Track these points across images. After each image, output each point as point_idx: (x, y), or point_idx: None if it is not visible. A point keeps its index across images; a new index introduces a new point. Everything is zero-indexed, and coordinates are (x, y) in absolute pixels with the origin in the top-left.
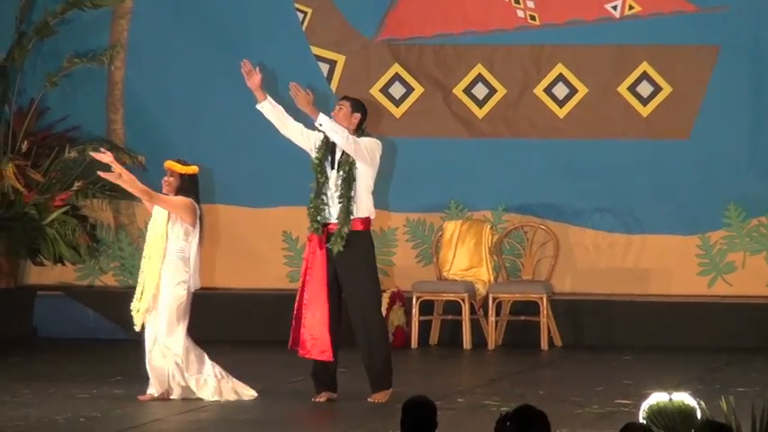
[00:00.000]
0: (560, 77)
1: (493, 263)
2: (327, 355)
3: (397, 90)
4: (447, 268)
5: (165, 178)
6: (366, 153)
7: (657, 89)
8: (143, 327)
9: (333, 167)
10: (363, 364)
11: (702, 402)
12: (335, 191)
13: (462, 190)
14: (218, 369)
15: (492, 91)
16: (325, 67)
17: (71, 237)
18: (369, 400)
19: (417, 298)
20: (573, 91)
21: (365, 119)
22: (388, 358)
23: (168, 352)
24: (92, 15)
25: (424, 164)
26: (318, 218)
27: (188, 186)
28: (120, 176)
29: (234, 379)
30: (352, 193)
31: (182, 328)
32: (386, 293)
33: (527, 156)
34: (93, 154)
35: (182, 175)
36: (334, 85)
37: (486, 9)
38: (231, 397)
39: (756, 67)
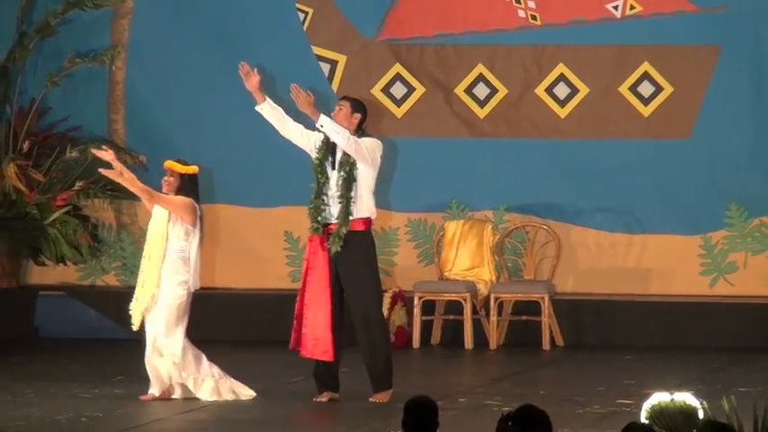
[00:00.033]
0: (561, 77)
1: (494, 263)
2: (329, 356)
3: (398, 90)
4: (448, 268)
5: (166, 178)
6: (367, 153)
7: (658, 89)
8: (144, 327)
9: (333, 168)
10: (364, 364)
11: (704, 402)
12: (336, 191)
13: (464, 190)
14: (215, 369)
15: (493, 91)
16: (326, 67)
17: (73, 236)
18: (370, 400)
19: (419, 298)
20: (574, 91)
21: (365, 119)
22: (389, 358)
23: (166, 352)
24: (93, 15)
25: (425, 164)
26: (319, 218)
27: (188, 186)
28: (121, 174)
29: (232, 379)
30: (352, 194)
31: (180, 329)
32: (387, 293)
33: (528, 156)
34: (94, 151)
35: (182, 175)
36: (335, 85)
37: (487, 9)
38: (229, 397)
39: (757, 67)
